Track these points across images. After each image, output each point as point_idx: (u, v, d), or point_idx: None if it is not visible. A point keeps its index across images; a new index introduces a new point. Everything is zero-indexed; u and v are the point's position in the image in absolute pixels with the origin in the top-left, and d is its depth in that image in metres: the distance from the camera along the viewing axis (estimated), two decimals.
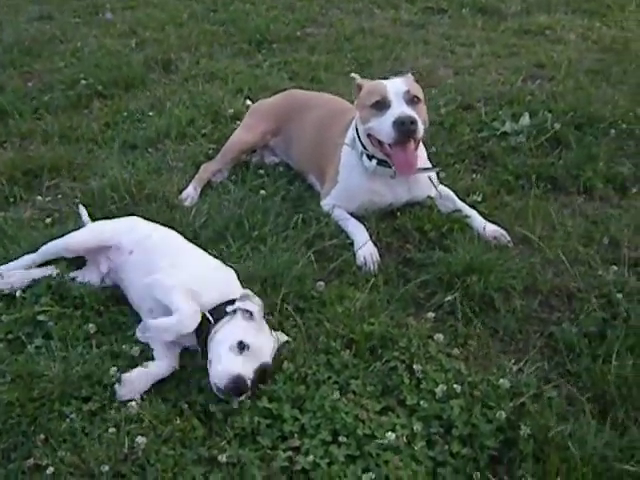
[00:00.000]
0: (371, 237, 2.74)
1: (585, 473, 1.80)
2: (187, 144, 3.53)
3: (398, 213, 2.92)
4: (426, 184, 2.90)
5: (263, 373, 2.11)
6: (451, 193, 2.94)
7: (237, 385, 2.03)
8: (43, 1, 6.29)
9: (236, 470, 1.92)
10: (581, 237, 2.77)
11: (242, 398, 2.07)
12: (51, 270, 2.61)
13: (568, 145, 3.40)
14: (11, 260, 2.68)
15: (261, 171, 3.28)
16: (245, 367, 2.06)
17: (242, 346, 2.08)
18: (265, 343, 2.16)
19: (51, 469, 1.92)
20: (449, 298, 2.44)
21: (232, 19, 5.28)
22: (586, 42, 4.88)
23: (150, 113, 3.87)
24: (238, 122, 3.61)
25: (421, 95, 2.81)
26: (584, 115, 3.64)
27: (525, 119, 3.58)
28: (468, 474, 1.87)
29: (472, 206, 2.92)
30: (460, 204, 2.90)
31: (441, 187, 2.97)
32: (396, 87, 2.74)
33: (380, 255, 2.68)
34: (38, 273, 2.61)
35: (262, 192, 3.04)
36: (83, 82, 4.29)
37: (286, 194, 3.07)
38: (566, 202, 3.05)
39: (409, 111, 2.65)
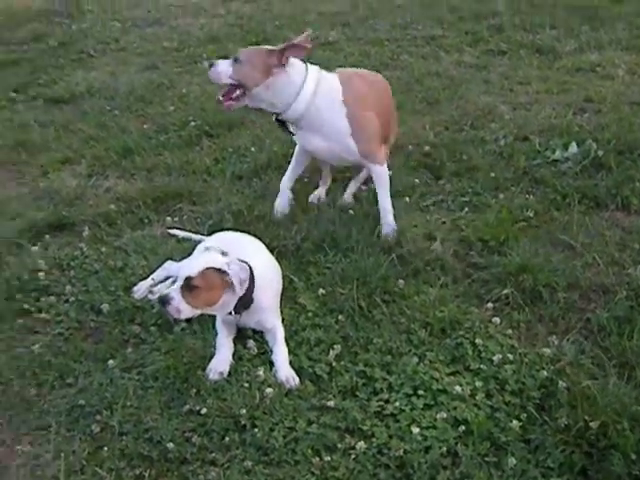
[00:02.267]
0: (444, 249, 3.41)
1: (608, 414, 2.38)
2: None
3: (463, 227, 3.57)
4: None
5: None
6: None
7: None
8: (148, 53, 7.18)
9: (341, 414, 2.57)
10: (617, 244, 3.35)
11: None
12: None
13: (609, 169, 3.97)
14: (153, 268, 3.44)
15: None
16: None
17: None
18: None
19: (204, 410, 2.62)
20: (505, 292, 3.07)
21: None
22: (632, 76, 5.43)
23: (252, 149, 4.60)
24: None
25: (246, 58, 3.41)
26: (625, 142, 4.21)
27: (573, 148, 4.16)
28: (518, 416, 2.47)
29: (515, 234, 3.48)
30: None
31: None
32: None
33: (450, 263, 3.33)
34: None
35: (351, 212, 3.72)
36: (192, 124, 5.08)
37: (369, 213, 3.73)
38: (605, 217, 3.62)
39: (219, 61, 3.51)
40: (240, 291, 2.80)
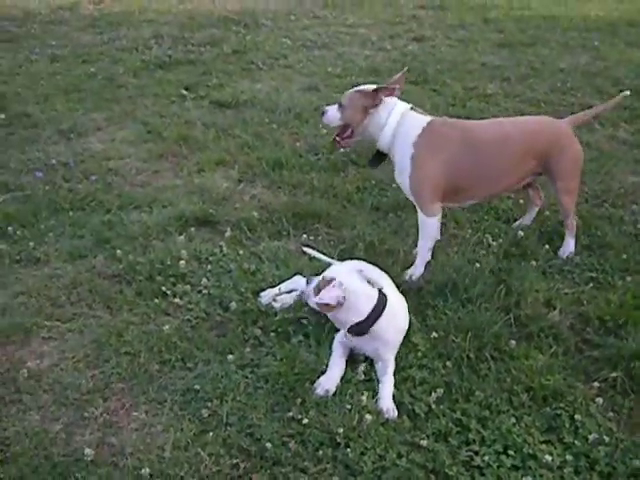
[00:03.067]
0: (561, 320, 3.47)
1: None
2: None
3: (584, 302, 3.61)
4: None
5: None
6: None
7: None
8: (311, 75, 7.54)
9: (431, 455, 2.70)
10: None
11: None
12: None
13: None
14: (283, 278, 3.69)
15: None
16: None
17: None
18: None
19: (305, 420, 2.82)
20: (613, 375, 3.10)
21: (467, 115, 6.12)
22: None
23: (393, 185, 4.79)
24: None
25: (347, 102, 3.84)
26: None
27: None
28: None
29: None
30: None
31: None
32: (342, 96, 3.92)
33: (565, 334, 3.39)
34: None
35: (477, 265, 3.83)
36: (341, 150, 5.33)
37: (494, 267, 3.84)
38: None
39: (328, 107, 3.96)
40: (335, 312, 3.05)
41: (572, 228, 4.04)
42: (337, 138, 3.96)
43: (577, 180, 4.00)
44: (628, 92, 4.21)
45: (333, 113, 3.91)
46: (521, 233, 4.16)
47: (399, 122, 3.74)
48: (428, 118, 3.79)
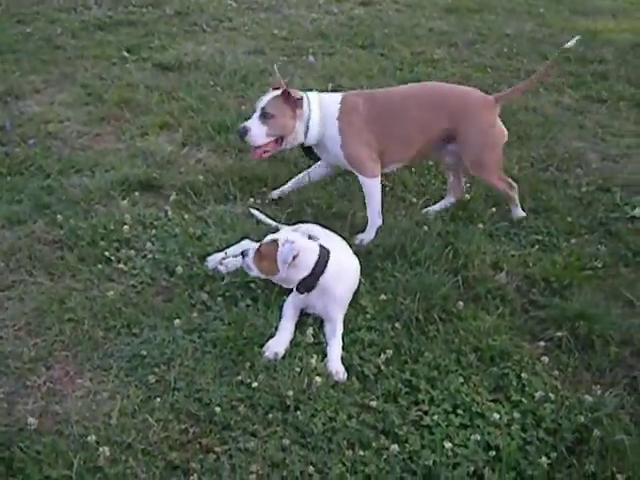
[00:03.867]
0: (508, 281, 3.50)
1: (636, 470, 2.45)
2: None
3: (530, 264, 3.65)
4: None
5: None
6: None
7: None
8: (257, 37, 7.40)
9: (380, 415, 2.71)
10: None
11: None
12: None
13: None
14: (230, 243, 3.63)
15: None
16: None
17: None
18: None
19: (254, 384, 2.79)
20: (559, 334, 3.14)
21: (414, 79, 6.10)
22: None
23: None
24: (413, 169, 4.49)
25: (273, 110, 3.67)
26: None
27: None
28: (548, 454, 2.56)
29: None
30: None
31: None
32: (260, 101, 3.76)
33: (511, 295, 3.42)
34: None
35: (425, 228, 3.83)
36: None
37: (442, 230, 3.84)
38: None
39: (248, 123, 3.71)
40: (283, 272, 3.05)
41: (509, 197, 4.04)
42: (258, 150, 3.77)
43: (491, 156, 3.92)
44: (575, 40, 4.15)
45: (258, 130, 3.70)
46: (467, 196, 4.17)
47: (320, 109, 3.77)
48: (339, 95, 3.91)
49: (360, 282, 3.33)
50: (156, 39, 7.21)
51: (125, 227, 3.81)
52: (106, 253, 3.63)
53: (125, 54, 6.76)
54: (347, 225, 3.86)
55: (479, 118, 3.88)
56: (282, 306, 3.18)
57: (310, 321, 3.17)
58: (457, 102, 3.91)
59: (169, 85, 5.96)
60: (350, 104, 3.83)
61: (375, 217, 3.83)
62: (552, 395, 2.80)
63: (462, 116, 3.86)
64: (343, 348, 3.00)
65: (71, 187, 4.27)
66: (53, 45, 7.04)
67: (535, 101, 5.89)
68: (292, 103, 3.69)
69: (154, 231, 3.84)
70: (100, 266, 3.54)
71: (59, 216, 3.93)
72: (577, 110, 5.82)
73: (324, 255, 3.10)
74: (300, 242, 3.08)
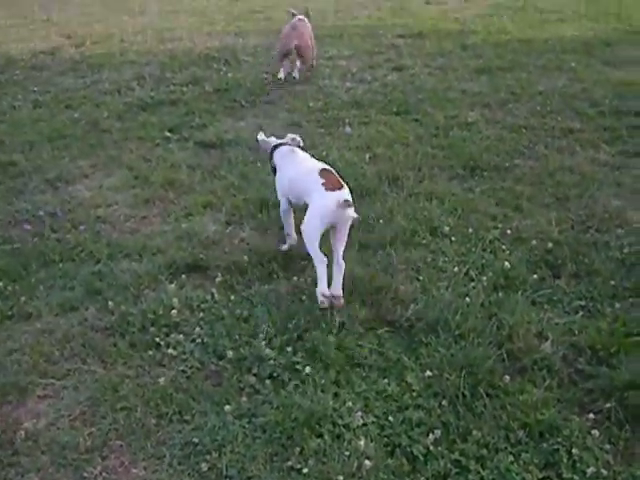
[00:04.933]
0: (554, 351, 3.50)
1: None
2: (410, 251, 4.45)
3: (575, 331, 3.64)
4: None
5: None
6: None
7: None
8: (294, 110, 7.61)
9: None
10: None
11: None
12: None
13: None
14: (276, 321, 3.70)
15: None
16: None
17: None
18: None
19: (305, 470, 2.83)
20: (608, 405, 3.12)
21: (450, 145, 6.21)
22: None
23: (381, 220, 4.84)
24: (453, 237, 4.56)
25: None
26: None
27: None
28: None
29: None
30: None
31: None
32: None
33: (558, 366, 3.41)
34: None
35: (467, 299, 3.87)
36: None
37: (485, 301, 3.87)
38: None
39: None
40: None
41: None
42: None
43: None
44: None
45: None
46: (507, 265, 4.20)
47: None
48: None
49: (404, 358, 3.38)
50: (197, 117, 7.46)
51: (173, 311, 3.92)
52: (156, 339, 3.73)
53: (168, 134, 7.01)
54: (387, 299, 3.91)
55: None
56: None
57: (356, 404, 3.20)
58: None
59: (211, 163, 6.16)
60: None
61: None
62: (604, 471, 2.78)
63: None
64: (392, 428, 3.04)
65: (120, 272, 4.42)
66: (100, 129, 7.34)
67: (571, 160, 5.93)
68: None
69: (202, 314, 3.94)
70: (151, 352, 3.64)
71: (110, 302, 4.06)
72: (614, 166, 5.83)
73: None
74: None
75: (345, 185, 3.96)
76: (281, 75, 8.81)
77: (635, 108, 7.25)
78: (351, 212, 3.85)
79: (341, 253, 3.93)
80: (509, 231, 4.64)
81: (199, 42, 11.48)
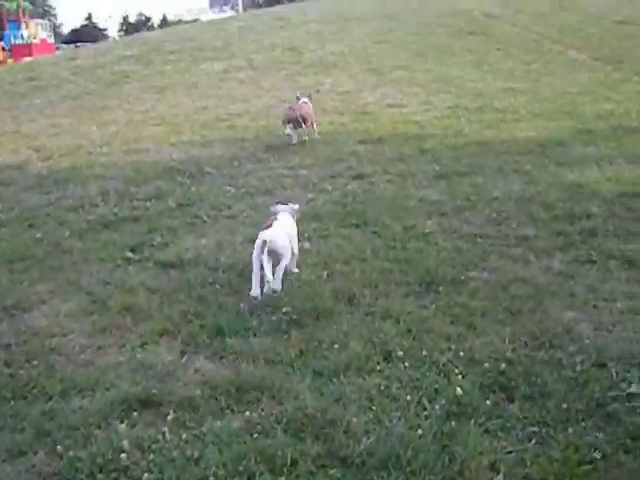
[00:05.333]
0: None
1: None
2: (364, 378, 4.44)
3: (528, 462, 3.61)
4: None
5: None
6: None
7: None
8: (255, 225, 7.62)
9: None
10: None
11: None
12: None
13: None
14: (227, 463, 3.63)
15: None
16: None
17: None
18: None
19: None
20: None
21: (407, 258, 6.27)
22: None
23: (335, 345, 4.84)
24: (407, 362, 4.56)
25: None
26: None
27: None
28: None
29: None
30: None
31: None
32: None
33: None
34: None
35: (419, 431, 3.84)
36: (284, 309, 5.38)
37: (437, 431, 3.84)
38: None
39: None
40: None
41: None
42: None
43: None
44: None
45: None
46: (460, 391, 4.19)
47: None
48: None
49: None
50: (158, 235, 7.52)
51: (123, 455, 3.84)
52: None
53: (129, 254, 7.04)
54: (339, 435, 3.87)
55: None
56: None
57: None
58: None
59: (170, 286, 6.17)
60: None
61: None
62: None
63: None
64: None
65: (71, 411, 4.34)
66: (61, 249, 7.36)
67: (525, 270, 6.03)
68: None
69: (152, 456, 3.86)
70: None
71: (59, 446, 3.98)
72: (567, 275, 5.92)
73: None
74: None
75: (274, 227, 5.74)
76: (288, 131, 11.33)
77: (586, 211, 7.44)
78: (271, 246, 5.48)
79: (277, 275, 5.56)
80: (462, 353, 4.66)
81: (165, 153, 11.69)
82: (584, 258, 6.25)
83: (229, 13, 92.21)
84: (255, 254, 5.50)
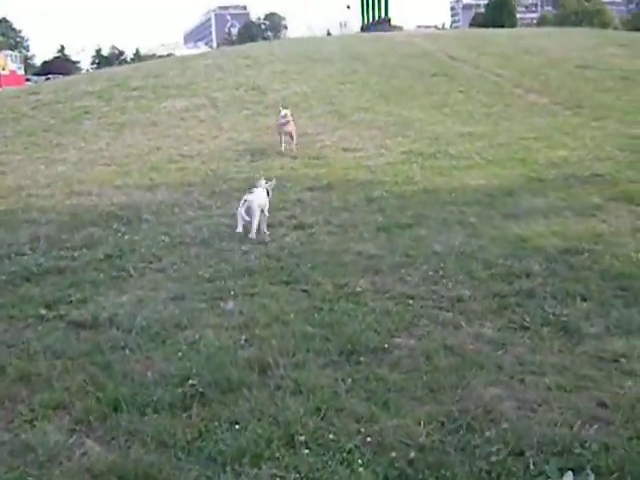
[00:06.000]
0: None
1: None
2: (260, 467, 4.06)
3: None
4: None
5: None
6: None
7: None
8: (182, 280, 7.32)
9: None
10: None
11: None
12: None
13: None
14: None
15: None
16: None
17: None
18: None
19: None
20: None
21: (332, 322, 5.91)
22: None
23: (237, 426, 4.45)
24: (310, 448, 4.17)
25: None
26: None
27: (569, 478, 3.83)
28: None
29: None
30: None
31: None
32: None
33: None
34: None
35: None
36: (190, 381, 4.99)
37: None
38: None
39: None
40: None
41: None
42: None
43: None
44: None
45: None
46: None
47: None
48: None
49: None
50: (79, 291, 7.10)
51: None
52: None
53: (42, 311, 6.61)
54: None
55: None
56: None
57: None
58: None
59: (77, 350, 5.75)
60: None
61: None
62: None
63: None
64: None
65: None
66: None
67: (454, 336, 5.72)
68: None
69: None
70: None
71: None
72: (498, 343, 5.61)
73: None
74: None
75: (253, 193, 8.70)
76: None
77: (527, 269, 7.18)
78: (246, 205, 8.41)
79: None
80: (371, 438, 4.29)
81: (107, 197, 11.32)
82: (517, 324, 5.96)
83: (203, 49, 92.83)
84: (239, 208, 8.34)
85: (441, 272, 7.20)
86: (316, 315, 6.16)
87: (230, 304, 6.51)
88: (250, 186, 9.13)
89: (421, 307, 6.34)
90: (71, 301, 6.87)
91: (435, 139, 15.34)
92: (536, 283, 6.82)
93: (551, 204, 9.96)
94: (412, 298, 6.53)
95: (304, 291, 6.83)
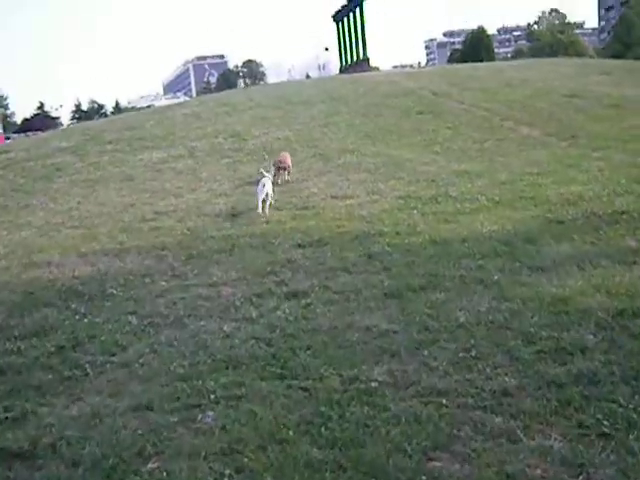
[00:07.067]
0: None
1: None
2: None
3: None
4: None
5: None
6: None
7: None
8: (148, 380, 5.79)
9: None
10: None
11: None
12: None
13: None
14: None
15: None
16: None
17: None
18: None
19: None
20: None
21: (344, 441, 4.44)
22: None
23: None
24: None
25: None
26: None
27: None
28: None
29: None
30: None
31: None
32: None
33: None
34: None
35: None
36: None
37: None
38: None
39: None
40: None
41: None
42: None
43: None
44: None
45: None
46: None
47: None
48: None
49: None
50: (18, 403, 5.60)
51: None
52: None
53: None
54: None
55: None
56: None
57: None
58: None
59: None
60: None
61: None
62: None
63: None
64: None
65: None
66: None
67: (514, 456, 4.25)
68: None
69: None
70: None
71: None
72: (573, 464, 4.15)
73: None
74: None
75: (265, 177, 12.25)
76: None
77: (578, 342, 5.76)
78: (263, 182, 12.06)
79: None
80: None
81: (69, 268, 9.86)
82: (592, 429, 4.49)
83: (182, 99, 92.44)
84: (259, 188, 11.83)
85: (473, 352, 5.74)
86: (323, 430, 4.67)
87: (209, 416, 5.01)
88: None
89: (458, 408, 4.87)
90: (6, 418, 5.36)
91: (431, 180, 14.01)
92: (596, 362, 5.37)
93: (580, 250, 8.55)
94: (445, 394, 5.05)
95: (304, 389, 5.34)
